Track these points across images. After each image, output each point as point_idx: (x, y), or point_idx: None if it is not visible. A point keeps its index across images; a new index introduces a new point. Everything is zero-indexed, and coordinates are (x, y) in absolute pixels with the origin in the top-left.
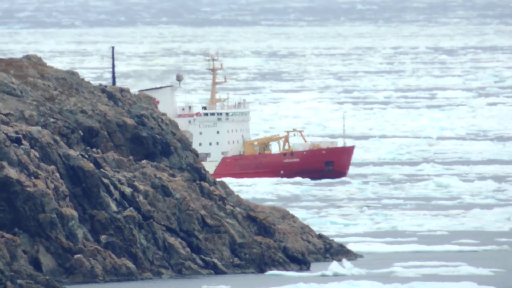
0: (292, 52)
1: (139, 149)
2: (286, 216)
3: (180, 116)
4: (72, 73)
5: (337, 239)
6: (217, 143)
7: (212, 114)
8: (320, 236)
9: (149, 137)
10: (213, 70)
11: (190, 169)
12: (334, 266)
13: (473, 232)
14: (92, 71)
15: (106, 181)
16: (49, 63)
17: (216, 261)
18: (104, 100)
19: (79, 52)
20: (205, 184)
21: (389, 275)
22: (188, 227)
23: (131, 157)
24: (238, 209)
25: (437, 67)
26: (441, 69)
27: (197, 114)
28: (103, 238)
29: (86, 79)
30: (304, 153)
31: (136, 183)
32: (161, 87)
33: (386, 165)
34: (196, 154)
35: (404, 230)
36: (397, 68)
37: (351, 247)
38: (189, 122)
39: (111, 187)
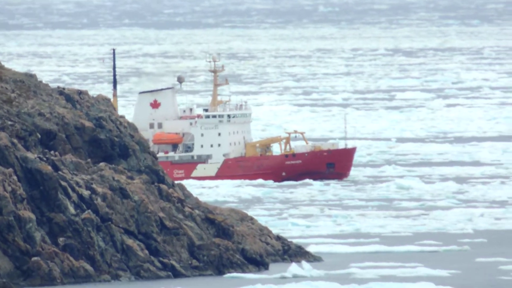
0: (252, 54)
1: (97, 151)
2: (244, 218)
3: (181, 118)
4: (30, 76)
5: (299, 241)
6: (219, 145)
7: (214, 116)
8: (278, 238)
9: (107, 140)
10: (215, 72)
11: (148, 172)
12: (293, 268)
13: (435, 233)
14: (50, 73)
15: (64, 183)
16: (7, 65)
17: (174, 263)
18: (62, 103)
19: (38, 55)
20: (164, 187)
21: (347, 277)
22: (147, 229)
23: (89, 160)
24: (196, 211)
25: (395, 69)
26: (400, 71)
27: (199, 116)
28: (61, 240)
29: (44, 82)
30: (306, 154)
31: (94, 185)
32: (162, 89)
33: None
34: (154, 156)
35: (368, 232)
36: (355, 70)
37: (313, 248)
38: (191, 124)
39: (69, 190)
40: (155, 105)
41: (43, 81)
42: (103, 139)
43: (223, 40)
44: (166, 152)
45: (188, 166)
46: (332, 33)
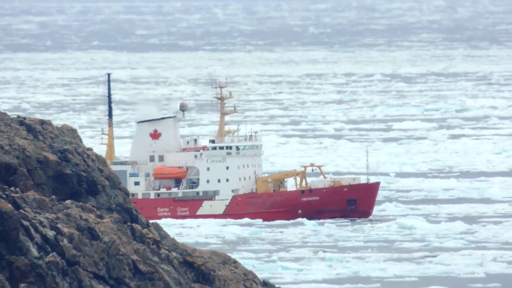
0: (235, 80)
1: (63, 188)
2: (227, 261)
3: (185, 150)
4: None
5: (289, 287)
6: (227, 180)
7: (221, 148)
8: (265, 284)
9: (73, 175)
10: (221, 99)
11: (120, 210)
12: None
13: (442, 277)
14: (9, 101)
15: (26, 223)
16: None
17: None
18: (22, 134)
19: None
20: (137, 226)
21: None
22: (118, 273)
23: (53, 197)
24: (174, 253)
25: (393, 96)
26: (398, 98)
27: (204, 148)
28: (22, 286)
29: (2, 110)
30: (324, 190)
31: (59, 225)
32: (162, 118)
33: None
34: (126, 192)
35: (367, 276)
36: (349, 97)
37: None
38: (195, 157)
39: (32, 230)
40: (155, 135)
41: (1, 110)
42: (69, 174)
43: (202, 65)
44: (169, 188)
45: (193, 204)
46: (324, 56)
